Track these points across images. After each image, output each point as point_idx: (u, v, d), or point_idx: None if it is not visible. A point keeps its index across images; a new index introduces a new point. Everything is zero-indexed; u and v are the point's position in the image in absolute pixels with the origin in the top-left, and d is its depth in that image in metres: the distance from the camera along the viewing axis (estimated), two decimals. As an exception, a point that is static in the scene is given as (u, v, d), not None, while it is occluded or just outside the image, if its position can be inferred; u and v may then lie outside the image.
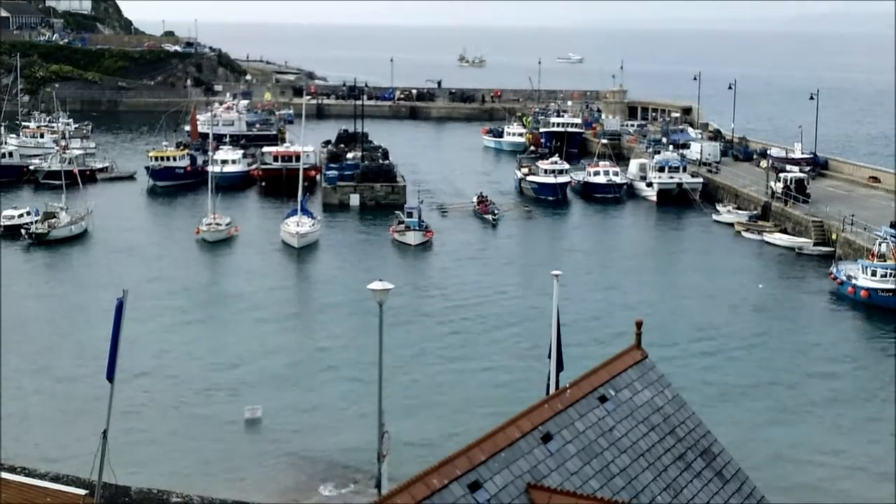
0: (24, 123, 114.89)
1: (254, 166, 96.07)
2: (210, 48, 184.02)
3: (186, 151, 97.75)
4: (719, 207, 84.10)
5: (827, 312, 58.64)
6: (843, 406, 43.81)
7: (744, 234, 77.39)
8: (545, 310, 38.66)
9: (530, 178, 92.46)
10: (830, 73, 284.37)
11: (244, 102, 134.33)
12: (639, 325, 16.82)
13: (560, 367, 26.29)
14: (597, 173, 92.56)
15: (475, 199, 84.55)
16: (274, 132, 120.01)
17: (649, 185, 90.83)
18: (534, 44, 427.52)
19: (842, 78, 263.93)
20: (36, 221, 72.34)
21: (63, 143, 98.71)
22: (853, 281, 58.94)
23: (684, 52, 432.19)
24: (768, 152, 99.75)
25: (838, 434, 40.85)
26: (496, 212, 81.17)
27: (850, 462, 38.18)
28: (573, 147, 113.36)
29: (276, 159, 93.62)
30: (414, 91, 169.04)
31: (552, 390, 24.12)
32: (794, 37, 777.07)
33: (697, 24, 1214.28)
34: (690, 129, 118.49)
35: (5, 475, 23.56)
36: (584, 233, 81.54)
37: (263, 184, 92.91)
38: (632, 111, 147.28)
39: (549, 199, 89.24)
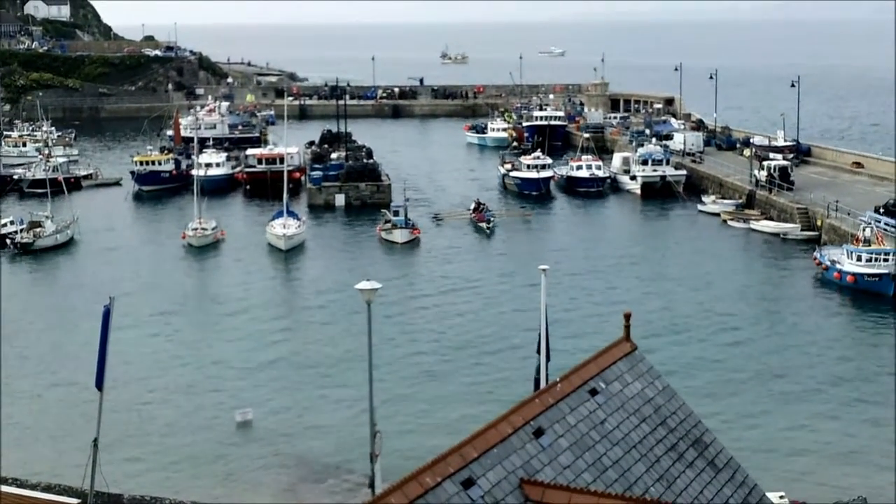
0: (6, 133, 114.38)
1: (238, 169, 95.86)
2: (191, 52, 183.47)
3: (171, 155, 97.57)
4: (704, 198, 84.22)
5: (813, 298, 58.86)
6: (832, 391, 43.94)
7: (730, 222, 77.55)
8: (533, 304, 38.68)
9: (513, 173, 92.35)
10: (813, 60, 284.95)
11: (226, 105, 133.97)
12: (627, 317, 16.81)
13: (547, 358, 26.37)
14: (579, 167, 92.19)
15: (472, 207, 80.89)
16: (256, 134, 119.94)
17: (633, 178, 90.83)
18: (514, 39, 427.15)
19: (823, 65, 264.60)
20: (21, 231, 72.02)
21: (46, 151, 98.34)
22: (838, 266, 59.18)
23: (665, 43, 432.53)
24: (751, 141, 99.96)
25: (828, 419, 40.94)
26: (491, 219, 77.41)
27: (839, 449, 38.28)
28: (556, 141, 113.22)
29: (260, 161, 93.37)
30: (396, 89, 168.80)
31: (542, 384, 24.17)
32: (780, 24, 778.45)
33: (683, 15, 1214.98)
34: (673, 120, 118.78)
35: (-3, 486, 23.45)
36: (569, 227, 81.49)
37: (248, 187, 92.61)
38: (614, 104, 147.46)
39: (533, 194, 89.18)
